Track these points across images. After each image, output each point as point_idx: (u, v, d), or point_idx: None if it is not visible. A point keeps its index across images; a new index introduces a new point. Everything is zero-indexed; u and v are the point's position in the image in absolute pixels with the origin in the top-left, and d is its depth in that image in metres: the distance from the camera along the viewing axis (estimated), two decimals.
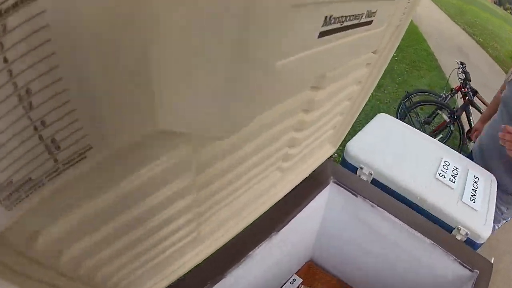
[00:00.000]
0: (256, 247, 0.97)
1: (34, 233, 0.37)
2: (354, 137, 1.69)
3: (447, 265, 1.13)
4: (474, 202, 1.46)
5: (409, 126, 1.92)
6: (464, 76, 3.81)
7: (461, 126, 3.87)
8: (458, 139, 3.98)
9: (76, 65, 0.26)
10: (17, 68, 0.23)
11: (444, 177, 1.53)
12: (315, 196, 1.19)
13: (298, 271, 1.56)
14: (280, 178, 0.99)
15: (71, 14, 0.23)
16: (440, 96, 4.07)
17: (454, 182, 1.53)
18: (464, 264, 1.10)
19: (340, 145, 1.23)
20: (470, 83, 3.83)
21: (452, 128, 3.95)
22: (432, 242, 1.13)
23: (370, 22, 0.64)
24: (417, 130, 1.93)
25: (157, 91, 0.34)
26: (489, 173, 1.74)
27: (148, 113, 0.35)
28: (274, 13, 0.39)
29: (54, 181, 0.32)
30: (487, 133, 2.09)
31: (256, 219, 0.97)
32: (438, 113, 4.05)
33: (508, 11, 65.15)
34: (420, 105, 4.16)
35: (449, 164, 1.63)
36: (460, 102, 4.16)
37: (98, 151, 0.34)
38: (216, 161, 0.60)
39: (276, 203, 1.03)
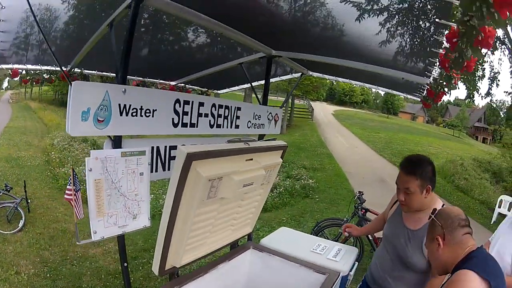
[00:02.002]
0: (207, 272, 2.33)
1: None
2: (267, 236, 3.10)
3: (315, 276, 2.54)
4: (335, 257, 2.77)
5: (301, 232, 3.45)
6: (359, 201, 5.50)
7: (359, 240, 5.31)
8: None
9: None
10: None
11: (316, 250, 3.00)
12: (240, 254, 2.58)
13: None
14: (231, 232, 2.45)
15: None
16: (344, 220, 5.45)
17: (322, 252, 2.83)
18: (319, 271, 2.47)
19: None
20: (364, 204, 5.50)
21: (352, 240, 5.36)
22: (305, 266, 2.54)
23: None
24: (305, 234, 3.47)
25: None
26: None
27: None
28: None
29: None
30: (374, 262, 2.69)
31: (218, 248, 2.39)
32: (340, 232, 5.25)
33: (441, 125, 71.41)
34: (325, 228, 5.64)
35: (321, 245, 2.97)
36: None
37: None
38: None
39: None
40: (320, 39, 2.75)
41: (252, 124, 2.87)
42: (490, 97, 14.09)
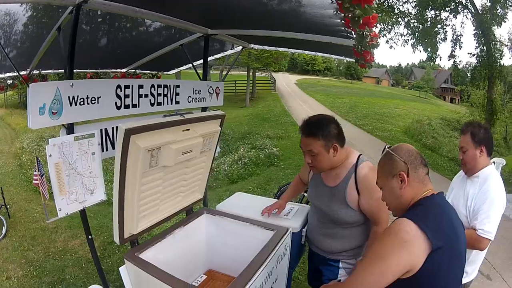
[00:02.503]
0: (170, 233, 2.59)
1: None
2: (223, 202, 3.35)
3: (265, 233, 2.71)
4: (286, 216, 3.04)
5: (256, 196, 3.73)
6: None
7: None
8: None
9: None
10: None
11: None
12: (195, 219, 2.83)
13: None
14: (181, 198, 2.69)
15: None
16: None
17: (275, 211, 3.13)
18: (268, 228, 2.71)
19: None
20: None
21: None
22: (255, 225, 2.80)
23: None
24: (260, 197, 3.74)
25: None
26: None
27: None
28: None
29: None
30: (307, 224, 2.85)
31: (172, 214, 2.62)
32: (304, 195, 5.47)
33: (406, 87, 72.65)
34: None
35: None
36: None
37: None
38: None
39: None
40: (254, 14, 2.94)
41: (193, 98, 3.13)
42: (454, 59, 14.61)
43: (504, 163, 8.95)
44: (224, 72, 23.18)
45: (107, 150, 2.53)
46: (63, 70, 3.94)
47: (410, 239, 1.44)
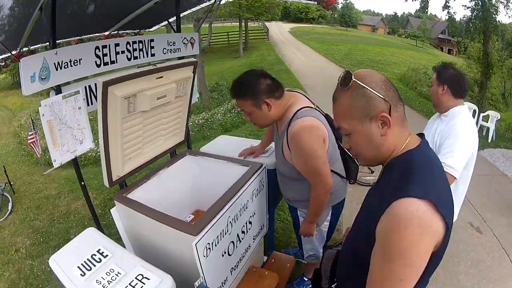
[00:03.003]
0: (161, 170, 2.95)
1: None
2: (206, 144, 3.64)
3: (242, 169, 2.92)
4: (265, 154, 3.60)
5: (238, 137, 3.97)
6: None
7: None
8: None
9: None
10: None
11: None
12: (178, 160, 3.14)
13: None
14: (163, 141, 3.00)
15: None
16: None
17: None
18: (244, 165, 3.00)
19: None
20: None
21: None
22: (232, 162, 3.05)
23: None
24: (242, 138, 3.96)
25: None
26: None
27: None
28: None
29: None
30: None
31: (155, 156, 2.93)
32: None
33: (402, 36, 71.77)
34: None
35: (254, 145, 3.51)
36: None
37: None
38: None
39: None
40: None
41: (168, 49, 3.34)
42: (447, 10, 14.59)
43: (499, 117, 9.27)
44: (214, 25, 23.16)
45: (92, 103, 2.79)
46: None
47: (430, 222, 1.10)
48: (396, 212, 1.11)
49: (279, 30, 43.90)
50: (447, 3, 14.16)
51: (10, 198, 6.70)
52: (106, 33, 4.49)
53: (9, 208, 6.51)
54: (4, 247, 5.22)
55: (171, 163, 3.14)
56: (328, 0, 2.83)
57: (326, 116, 2.52)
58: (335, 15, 76.59)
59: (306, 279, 3.33)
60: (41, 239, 5.27)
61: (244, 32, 30.46)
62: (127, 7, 3.77)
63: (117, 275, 2.03)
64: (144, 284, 1.95)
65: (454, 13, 14.76)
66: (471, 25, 14.51)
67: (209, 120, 10.59)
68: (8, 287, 4.25)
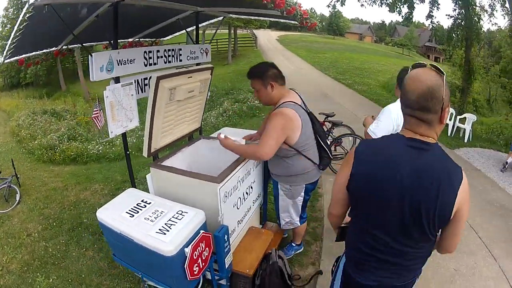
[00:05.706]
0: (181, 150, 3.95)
1: None
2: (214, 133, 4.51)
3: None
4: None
5: (239, 129, 5.02)
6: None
7: None
8: None
9: None
10: None
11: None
12: (195, 142, 4.17)
13: None
14: (186, 125, 3.98)
15: None
16: None
17: None
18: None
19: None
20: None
21: None
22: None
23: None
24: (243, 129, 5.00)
25: None
26: None
27: None
28: None
29: None
30: None
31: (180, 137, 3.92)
32: None
33: (389, 44, 72.01)
34: None
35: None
36: None
37: None
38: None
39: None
40: None
41: (190, 57, 4.37)
42: (431, 19, 14.89)
43: (475, 119, 10.10)
44: (207, 32, 23.97)
45: (138, 93, 3.67)
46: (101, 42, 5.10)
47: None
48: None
49: (267, 37, 44.74)
50: (431, 13, 14.60)
51: (17, 190, 7.03)
52: (130, 40, 5.39)
53: (17, 198, 6.82)
54: (15, 232, 5.48)
55: (190, 143, 4.09)
56: (311, 24, 3.44)
57: (310, 114, 3.25)
58: (323, 23, 77.55)
59: (294, 245, 4.07)
60: (54, 224, 5.61)
61: (233, 39, 31.20)
62: (152, 20, 4.71)
63: (161, 213, 2.80)
64: (183, 216, 2.77)
65: (437, 22, 15.16)
66: (453, 34, 15.08)
67: (202, 122, 11.30)
68: (21, 267, 4.47)
